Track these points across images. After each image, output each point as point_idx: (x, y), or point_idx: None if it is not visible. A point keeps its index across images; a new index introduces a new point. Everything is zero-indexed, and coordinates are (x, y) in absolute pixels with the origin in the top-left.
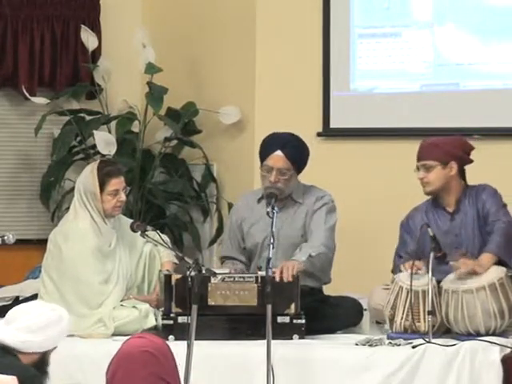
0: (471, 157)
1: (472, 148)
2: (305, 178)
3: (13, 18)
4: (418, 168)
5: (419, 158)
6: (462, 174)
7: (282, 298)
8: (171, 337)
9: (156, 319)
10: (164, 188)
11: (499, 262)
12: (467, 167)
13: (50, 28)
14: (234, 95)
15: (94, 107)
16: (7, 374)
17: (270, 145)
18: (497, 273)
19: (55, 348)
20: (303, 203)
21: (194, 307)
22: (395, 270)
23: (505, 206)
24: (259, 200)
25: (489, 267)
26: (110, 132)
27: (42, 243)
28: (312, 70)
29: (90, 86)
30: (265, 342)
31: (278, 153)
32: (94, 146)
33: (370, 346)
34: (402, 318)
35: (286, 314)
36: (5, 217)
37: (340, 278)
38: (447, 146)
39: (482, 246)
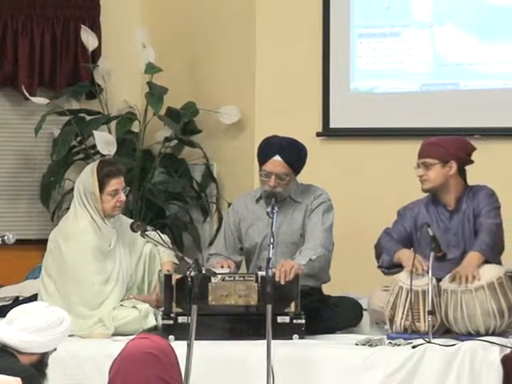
0: (472, 158)
1: (474, 149)
2: (304, 178)
3: (13, 18)
4: (418, 165)
5: (420, 156)
6: (462, 173)
7: (281, 298)
8: (171, 337)
9: (156, 319)
10: (164, 188)
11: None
12: (468, 167)
13: (50, 28)
14: (234, 95)
15: (93, 107)
16: (6, 373)
17: (268, 149)
18: (496, 272)
19: (55, 350)
20: (302, 202)
21: (194, 307)
22: (379, 246)
23: (498, 208)
24: (257, 200)
25: (477, 266)
26: (110, 132)
27: (42, 243)
28: (312, 69)
29: (90, 85)
30: (265, 342)
31: (277, 158)
32: (94, 146)
33: (370, 345)
34: (401, 318)
35: (286, 314)
36: (5, 217)
37: (340, 278)
38: (448, 146)
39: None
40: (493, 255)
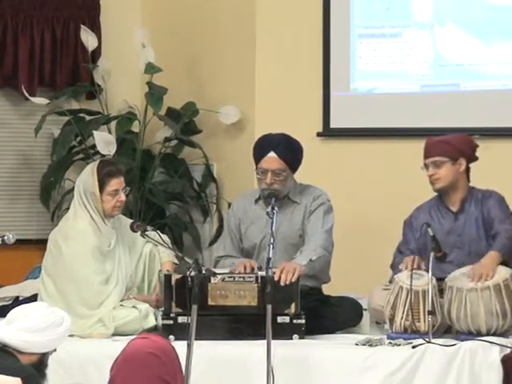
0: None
1: (476, 146)
2: (305, 178)
3: (13, 18)
4: (426, 166)
5: (428, 156)
6: (467, 172)
7: (282, 298)
8: (171, 337)
9: (156, 319)
10: (164, 188)
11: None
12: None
13: (50, 28)
14: (234, 95)
15: (93, 107)
16: (6, 373)
17: (262, 147)
18: (502, 273)
19: (55, 350)
20: (300, 203)
21: (194, 307)
22: (394, 265)
23: (511, 214)
24: (256, 201)
25: (496, 265)
26: (109, 132)
27: (41, 243)
28: (312, 70)
29: (90, 85)
30: (265, 342)
31: (272, 154)
32: (93, 146)
33: (370, 345)
34: (401, 318)
35: (286, 314)
36: (5, 217)
37: (340, 278)
38: (456, 143)
39: (486, 246)
40: (509, 257)
